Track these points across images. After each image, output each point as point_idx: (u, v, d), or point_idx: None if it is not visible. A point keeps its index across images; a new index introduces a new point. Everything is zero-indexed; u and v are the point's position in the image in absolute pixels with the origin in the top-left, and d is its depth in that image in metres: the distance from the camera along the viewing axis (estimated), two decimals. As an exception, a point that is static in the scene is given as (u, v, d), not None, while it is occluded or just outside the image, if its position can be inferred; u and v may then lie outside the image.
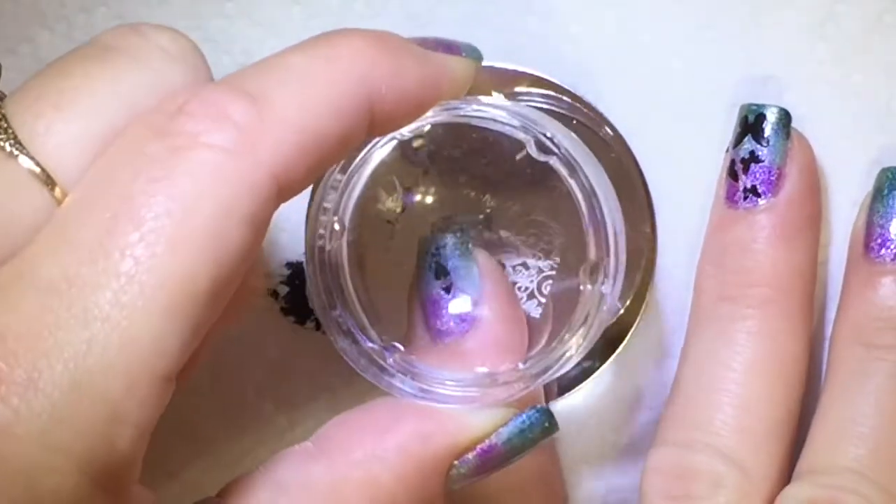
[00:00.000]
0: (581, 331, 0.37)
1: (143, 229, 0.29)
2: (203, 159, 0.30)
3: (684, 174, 0.42)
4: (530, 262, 0.41)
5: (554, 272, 0.41)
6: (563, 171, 0.37)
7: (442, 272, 0.39)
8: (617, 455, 0.42)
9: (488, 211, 0.40)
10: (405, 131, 0.37)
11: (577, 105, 0.42)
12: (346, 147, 0.33)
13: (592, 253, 0.37)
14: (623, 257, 0.37)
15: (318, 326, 0.43)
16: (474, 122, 0.37)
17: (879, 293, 0.39)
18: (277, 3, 0.42)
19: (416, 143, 0.39)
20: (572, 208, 0.38)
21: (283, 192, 0.31)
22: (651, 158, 0.42)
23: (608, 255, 0.37)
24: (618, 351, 0.42)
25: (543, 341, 0.39)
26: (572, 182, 0.37)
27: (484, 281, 0.39)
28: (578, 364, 0.38)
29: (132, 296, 0.29)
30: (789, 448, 0.39)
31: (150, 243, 0.29)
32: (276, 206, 0.32)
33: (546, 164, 0.37)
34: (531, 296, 0.41)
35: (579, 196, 0.37)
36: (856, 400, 0.39)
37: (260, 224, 0.31)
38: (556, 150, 0.37)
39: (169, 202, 0.30)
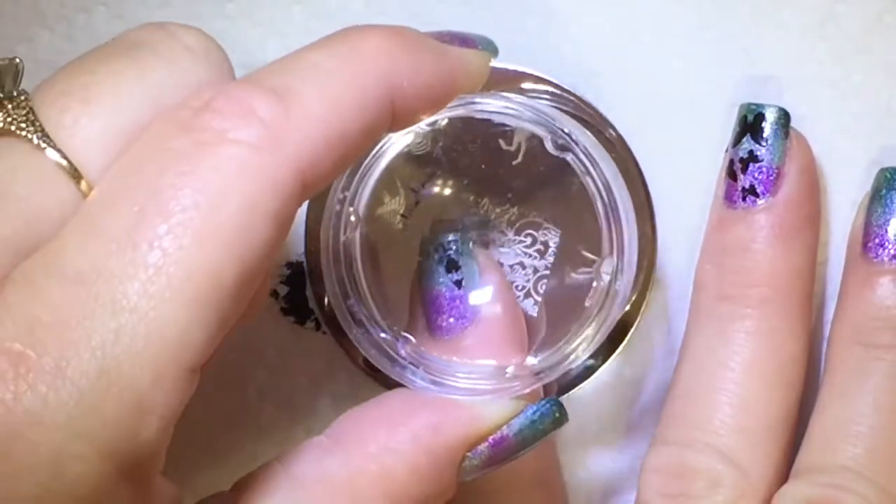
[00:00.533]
0: (593, 326, 0.38)
1: (170, 222, 0.30)
2: (229, 155, 0.30)
3: (684, 174, 0.42)
4: (526, 262, 0.41)
5: (548, 272, 0.41)
6: (580, 168, 0.38)
7: (453, 266, 0.39)
8: (616, 454, 0.42)
9: (487, 211, 0.41)
10: (422, 125, 0.38)
11: (580, 104, 0.42)
12: (369, 142, 0.33)
13: (606, 249, 0.38)
14: (635, 254, 0.38)
15: (318, 326, 0.43)
16: (492, 117, 0.38)
17: (877, 293, 0.39)
18: (278, 4, 0.42)
19: (431, 138, 0.40)
20: (581, 205, 0.39)
21: (308, 188, 0.32)
22: (651, 158, 0.42)
23: (622, 252, 0.38)
24: (618, 350, 0.42)
25: (540, 339, 0.40)
26: (588, 179, 0.38)
27: (484, 279, 0.39)
28: (580, 363, 0.39)
29: (160, 287, 0.29)
30: (787, 447, 0.40)
31: (178, 236, 0.30)
32: (301, 202, 0.32)
33: (560, 160, 0.38)
34: (527, 295, 0.41)
35: (595, 193, 0.38)
36: (854, 399, 0.39)
37: (284, 220, 0.31)
38: (574, 146, 0.38)
39: (196, 196, 0.30)
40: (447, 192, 0.40)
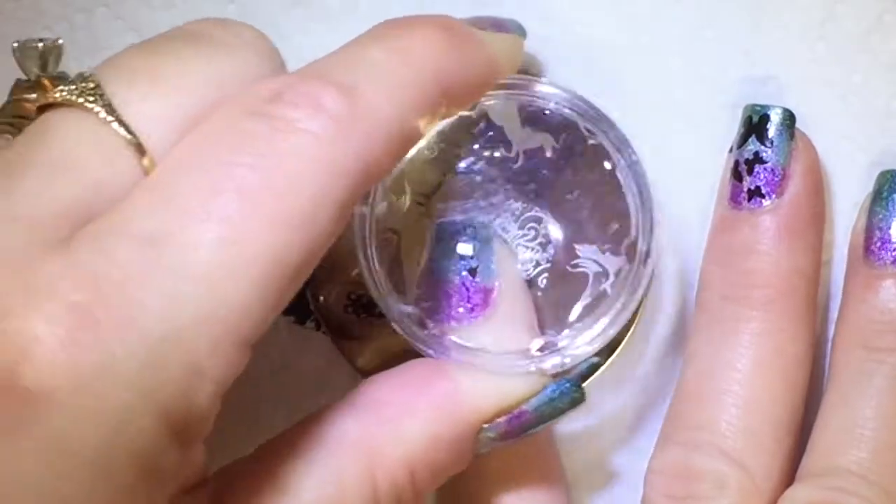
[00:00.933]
0: (617, 307, 0.39)
1: (244, 199, 0.30)
2: (302, 143, 0.31)
3: (684, 174, 0.42)
4: (529, 255, 0.41)
5: (549, 264, 0.41)
6: (613, 149, 0.39)
7: (469, 251, 0.40)
8: (619, 454, 0.42)
9: (494, 206, 0.41)
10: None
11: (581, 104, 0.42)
12: (424, 133, 0.35)
13: (633, 232, 0.39)
14: (658, 237, 0.39)
15: (318, 326, 0.43)
16: (528, 100, 0.39)
17: (880, 296, 0.39)
18: (278, 4, 0.42)
19: (440, 138, 0.40)
20: (599, 194, 0.40)
21: (370, 179, 0.33)
22: (651, 158, 0.42)
23: (651, 233, 0.39)
24: (617, 351, 0.42)
25: (545, 326, 0.40)
26: (621, 159, 0.39)
27: (499, 267, 0.40)
28: (576, 365, 0.39)
29: (229, 259, 0.30)
30: (792, 449, 0.39)
31: (249, 213, 0.30)
32: (362, 193, 0.33)
33: (569, 156, 0.40)
34: (531, 286, 0.41)
35: (629, 174, 0.39)
36: (857, 403, 0.39)
37: (348, 210, 0.32)
38: (610, 129, 0.39)
39: (270, 178, 0.31)
40: (457, 186, 0.41)
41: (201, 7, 0.42)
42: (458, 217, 0.40)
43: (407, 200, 0.40)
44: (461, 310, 0.39)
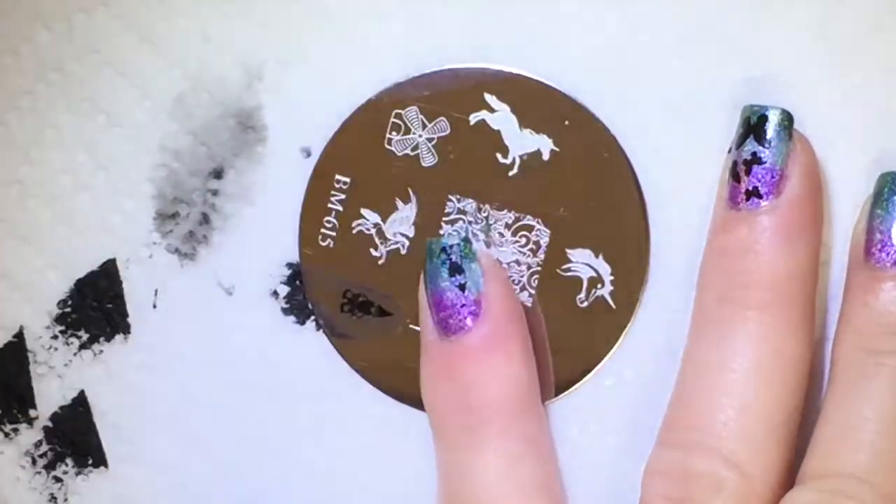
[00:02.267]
0: None
1: None
2: None
3: (684, 174, 0.42)
4: (521, 259, 0.42)
5: (540, 268, 0.42)
6: None
7: (457, 269, 0.40)
8: (617, 457, 0.42)
9: (487, 215, 0.42)
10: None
11: (568, 101, 0.42)
12: None
13: None
14: None
15: (318, 326, 0.43)
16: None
17: (880, 298, 0.39)
18: (277, 3, 0.42)
19: (436, 149, 0.42)
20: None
21: None
22: (650, 158, 0.42)
23: None
24: (613, 350, 0.42)
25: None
26: None
27: (486, 278, 0.40)
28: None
29: None
30: (790, 451, 0.39)
31: None
32: None
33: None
34: (522, 288, 0.42)
35: None
36: (858, 405, 0.38)
37: None
38: None
39: None
40: (451, 198, 0.42)
41: (201, 7, 0.42)
42: (448, 232, 0.42)
43: (413, 207, 0.42)
44: (452, 321, 0.40)
